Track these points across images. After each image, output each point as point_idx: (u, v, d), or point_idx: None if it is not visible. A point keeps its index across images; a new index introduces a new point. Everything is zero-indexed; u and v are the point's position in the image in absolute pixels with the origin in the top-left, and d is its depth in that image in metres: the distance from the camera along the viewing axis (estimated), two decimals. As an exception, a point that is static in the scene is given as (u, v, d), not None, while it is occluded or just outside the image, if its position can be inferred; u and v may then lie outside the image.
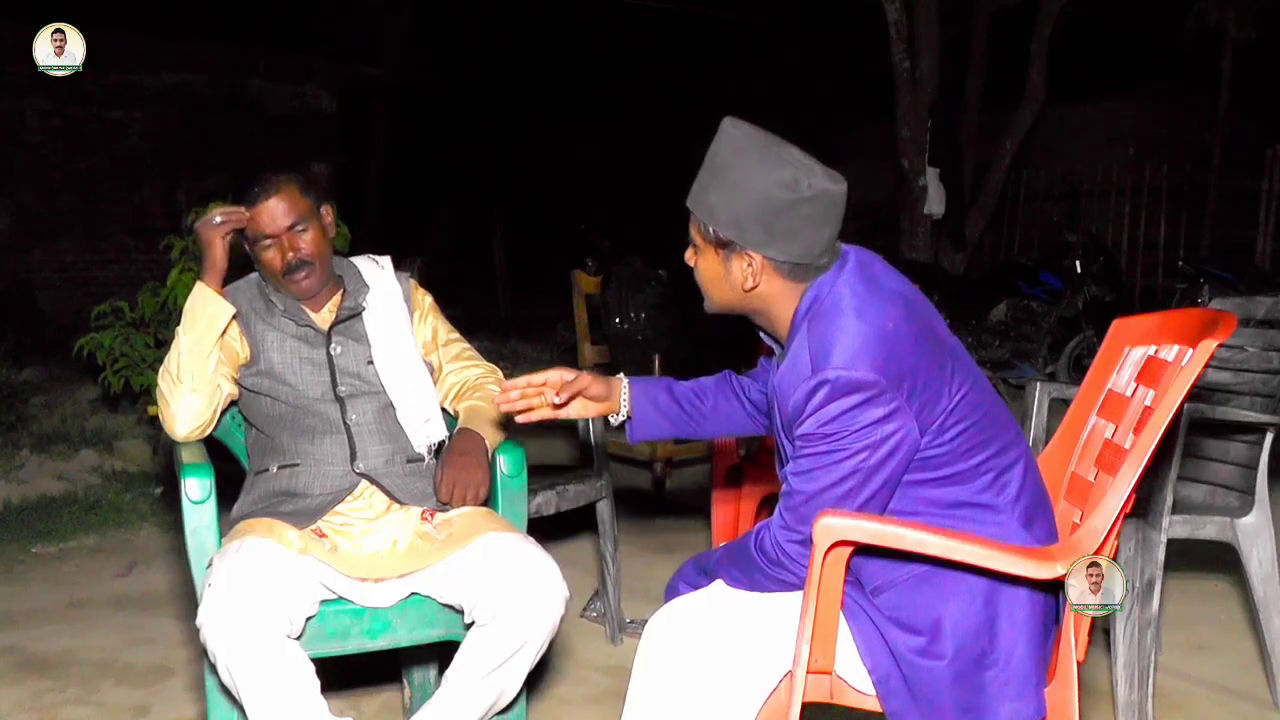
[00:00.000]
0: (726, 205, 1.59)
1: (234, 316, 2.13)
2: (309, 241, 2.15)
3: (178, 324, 2.14)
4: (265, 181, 2.12)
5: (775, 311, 1.67)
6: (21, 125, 8.57)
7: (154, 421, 4.25)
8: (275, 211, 2.11)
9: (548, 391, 1.85)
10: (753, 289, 1.64)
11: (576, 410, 1.89)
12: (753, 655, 1.62)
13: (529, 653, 1.93)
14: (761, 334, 1.76)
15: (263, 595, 1.83)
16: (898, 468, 1.56)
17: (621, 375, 1.95)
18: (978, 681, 1.57)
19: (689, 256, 1.71)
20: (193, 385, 2.09)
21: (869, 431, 1.52)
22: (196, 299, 2.11)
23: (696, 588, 1.78)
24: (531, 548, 2.00)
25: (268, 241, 2.13)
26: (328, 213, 2.23)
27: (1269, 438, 2.61)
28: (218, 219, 2.10)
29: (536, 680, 2.59)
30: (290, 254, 2.14)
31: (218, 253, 2.11)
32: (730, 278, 1.65)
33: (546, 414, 1.86)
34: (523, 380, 1.85)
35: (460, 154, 14.49)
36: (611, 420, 1.94)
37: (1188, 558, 3.21)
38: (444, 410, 2.29)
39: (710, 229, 1.62)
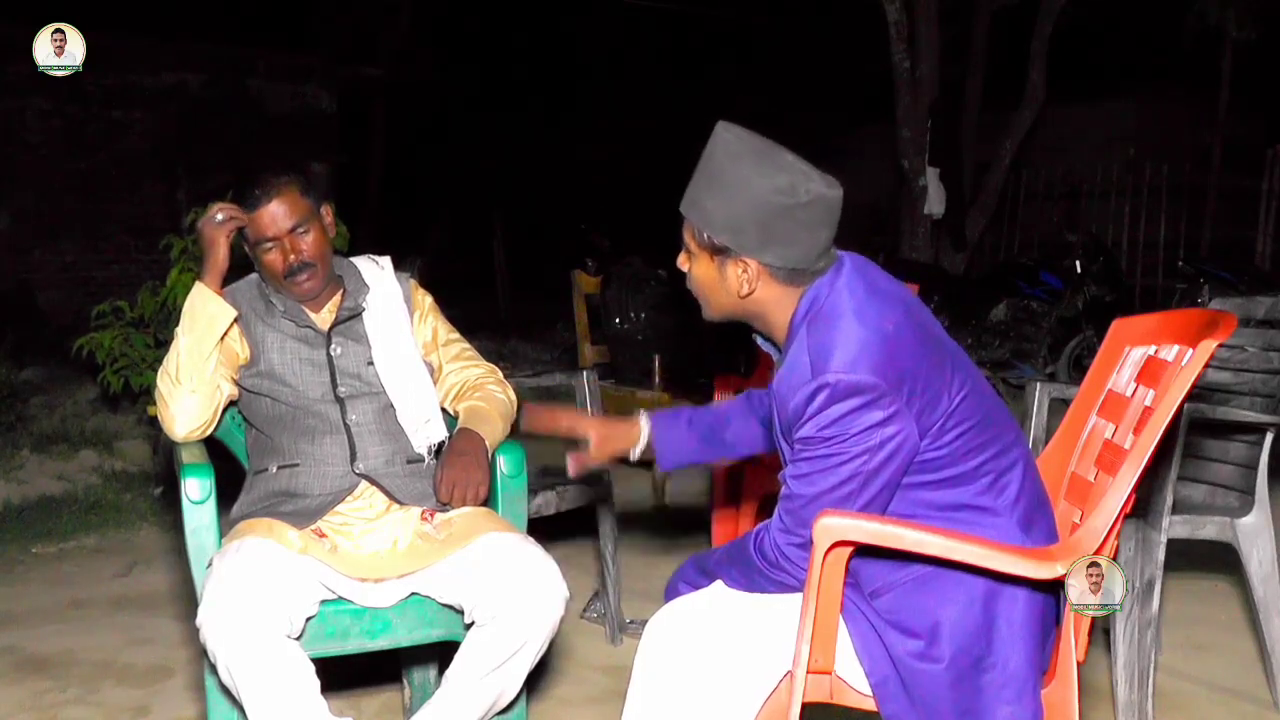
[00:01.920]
0: (722, 211, 1.59)
1: (235, 319, 2.13)
2: (310, 243, 2.14)
3: (177, 324, 2.13)
4: (266, 184, 2.11)
5: (772, 317, 1.66)
6: (21, 125, 8.57)
7: (154, 421, 4.24)
8: (276, 214, 2.11)
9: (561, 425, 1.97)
10: (749, 295, 1.63)
11: (603, 450, 1.97)
12: (753, 655, 1.62)
13: (529, 653, 1.93)
14: (759, 339, 1.75)
15: (263, 595, 1.83)
16: (897, 471, 1.56)
17: (641, 412, 2.01)
18: (975, 685, 1.57)
19: (681, 261, 1.71)
20: (192, 386, 2.08)
21: (868, 435, 1.52)
22: (196, 300, 2.10)
23: (697, 588, 1.78)
24: (531, 548, 2.00)
25: (269, 244, 2.12)
26: (327, 213, 2.22)
27: (1269, 438, 2.61)
28: (219, 216, 2.09)
29: (536, 680, 2.58)
30: (292, 256, 2.13)
31: (220, 252, 2.10)
32: (726, 284, 1.64)
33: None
34: (551, 418, 1.99)
35: (460, 154, 14.48)
36: (632, 455, 1.99)
37: (1188, 558, 3.20)
38: (444, 410, 2.29)
39: (705, 234, 1.62)
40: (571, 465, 1.97)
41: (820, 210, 1.57)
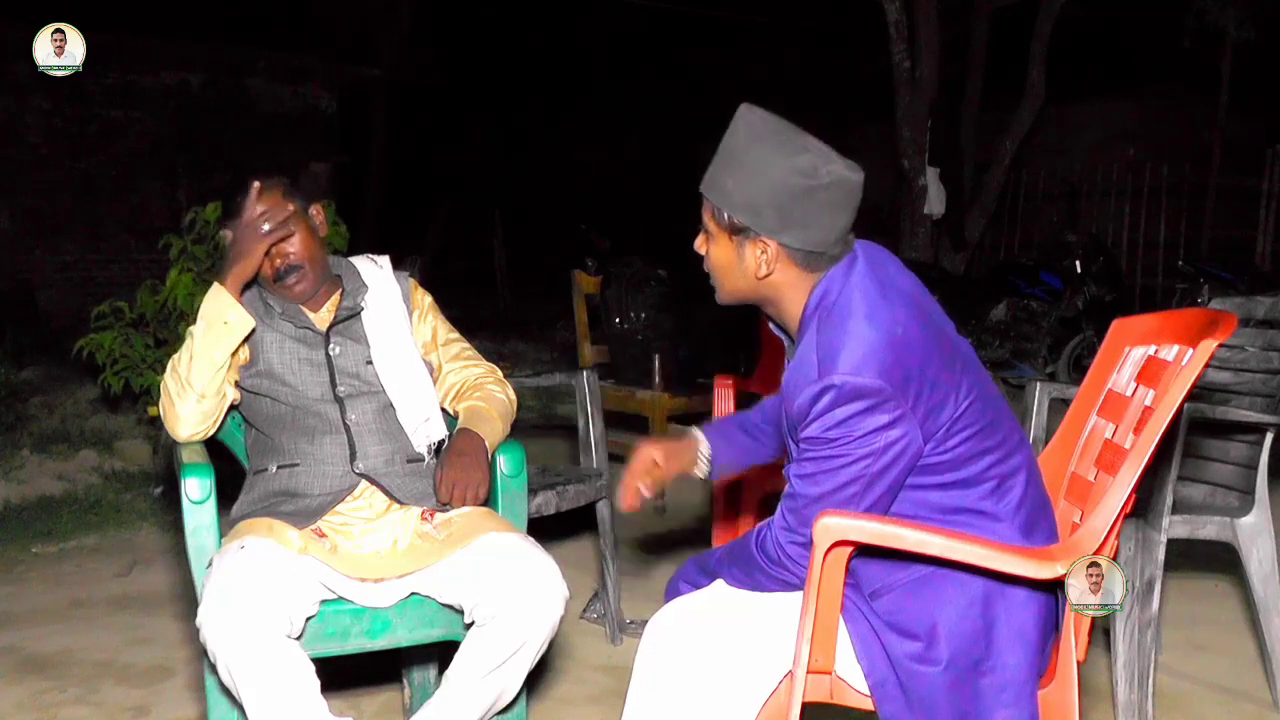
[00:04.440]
0: (743, 190, 1.59)
1: (253, 330, 2.10)
2: (297, 245, 2.13)
3: (178, 324, 2.12)
4: (248, 188, 2.08)
5: (786, 303, 1.66)
6: (21, 125, 8.57)
7: (154, 421, 4.25)
8: None
9: (646, 480, 1.92)
10: (766, 277, 1.63)
11: (670, 467, 1.95)
12: (753, 655, 1.62)
13: (529, 653, 1.93)
14: (771, 325, 1.76)
15: (263, 595, 1.82)
16: (900, 474, 1.56)
17: (695, 430, 1.99)
18: (973, 687, 1.57)
19: (699, 244, 1.70)
20: (202, 391, 2.07)
21: (872, 438, 1.52)
22: (215, 304, 2.07)
23: (697, 587, 1.78)
24: (531, 548, 2.00)
25: None
26: (318, 212, 2.21)
27: (1269, 438, 2.61)
28: (265, 226, 2.05)
29: (536, 680, 2.59)
30: (279, 260, 2.12)
31: (255, 262, 2.07)
32: (743, 265, 1.64)
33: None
34: (631, 485, 1.91)
35: (460, 154, 14.49)
36: (698, 474, 1.98)
37: (1188, 558, 3.21)
38: (444, 410, 2.28)
39: (725, 214, 1.62)
40: (630, 497, 1.91)
41: (840, 193, 1.58)
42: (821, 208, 1.57)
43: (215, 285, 2.09)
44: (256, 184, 2.08)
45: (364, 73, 11.10)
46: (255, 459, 2.23)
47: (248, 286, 2.14)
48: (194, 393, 2.07)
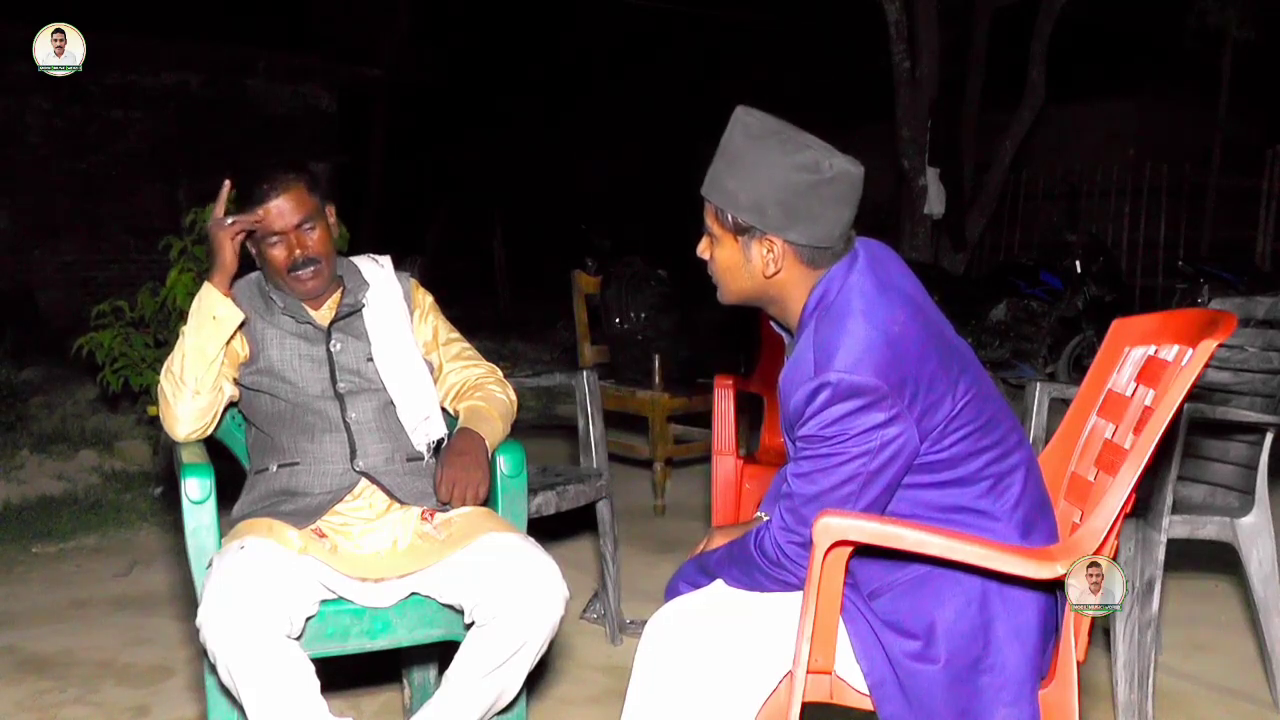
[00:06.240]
0: (746, 190, 1.59)
1: (242, 323, 2.12)
2: (316, 240, 2.14)
3: (178, 324, 2.13)
4: (274, 179, 2.11)
5: (789, 301, 1.66)
6: (21, 125, 8.57)
7: (154, 421, 4.25)
8: (284, 209, 2.11)
9: None
10: (773, 275, 1.63)
11: None
12: (753, 655, 1.62)
13: (529, 653, 1.93)
14: (773, 323, 1.76)
15: (263, 595, 1.83)
16: (897, 473, 1.56)
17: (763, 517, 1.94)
18: (972, 686, 1.57)
19: (703, 248, 1.70)
20: (196, 388, 2.08)
21: (869, 436, 1.52)
22: (204, 301, 2.09)
23: (697, 587, 1.78)
24: (532, 548, 2.00)
25: (275, 239, 2.12)
26: (331, 213, 2.23)
27: (1269, 438, 2.61)
28: (229, 221, 2.08)
29: (536, 680, 2.59)
30: (298, 251, 2.13)
31: (228, 254, 2.09)
32: (750, 265, 1.64)
33: None
34: None
35: (460, 154, 14.49)
36: None
37: (1188, 558, 3.21)
38: (444, 410, 2.29)
39: (729, 216, 1.62)
40: None
41: (844, 186, 1.58)
42: (826, 202, 1.58)
43: (205, 283, 2.12)
44: (227, 182, 2.11)
45: (364, 73, 11.09)
46: (255, 458, 2.23)
47: (237, 278, 2.16)
48: (188, 390, 2.08)
